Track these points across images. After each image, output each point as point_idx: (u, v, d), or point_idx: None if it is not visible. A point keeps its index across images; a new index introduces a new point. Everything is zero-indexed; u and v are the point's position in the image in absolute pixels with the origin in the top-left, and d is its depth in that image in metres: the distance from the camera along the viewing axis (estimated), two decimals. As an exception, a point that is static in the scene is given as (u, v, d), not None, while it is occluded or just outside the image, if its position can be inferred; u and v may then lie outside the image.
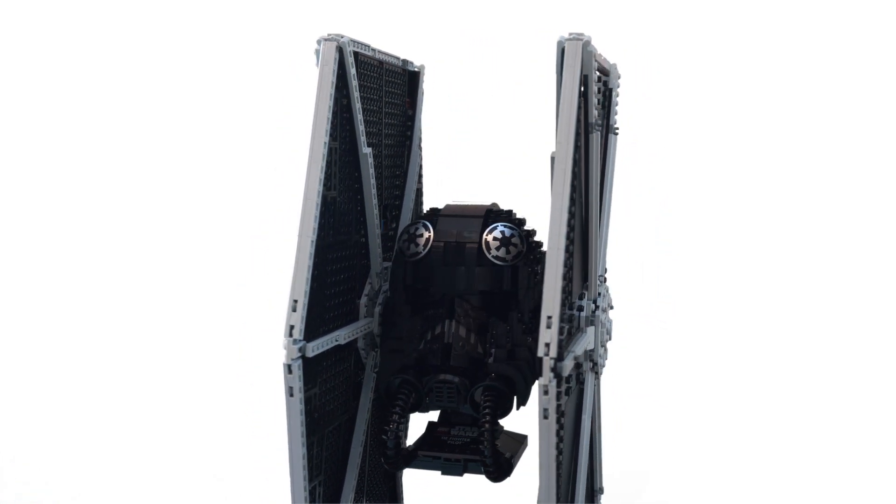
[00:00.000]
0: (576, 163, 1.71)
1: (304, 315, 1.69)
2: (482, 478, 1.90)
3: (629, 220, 3.07)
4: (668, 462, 2.77)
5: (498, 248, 1.93)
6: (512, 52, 3.26)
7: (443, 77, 3.17)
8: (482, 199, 2.08)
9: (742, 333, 3.38)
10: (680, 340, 3.31)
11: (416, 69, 2.25)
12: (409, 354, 1.92)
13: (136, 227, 3.53)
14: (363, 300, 2.00)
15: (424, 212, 2.15)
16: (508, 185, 2.49)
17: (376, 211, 2.01)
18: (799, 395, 3.15)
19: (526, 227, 2.03)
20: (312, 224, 1.73)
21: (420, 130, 2.27)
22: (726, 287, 3.48)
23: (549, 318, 1.53)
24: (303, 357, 1.69)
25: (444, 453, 1.92)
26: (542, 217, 2.05)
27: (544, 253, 2.01)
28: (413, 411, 1.94)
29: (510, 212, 2.06)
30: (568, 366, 1.56)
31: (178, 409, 3.11)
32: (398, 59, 2.15)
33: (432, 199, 2.23)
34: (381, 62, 2.03)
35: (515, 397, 1.87)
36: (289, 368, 1.68)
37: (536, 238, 2.04)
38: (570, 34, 1.66)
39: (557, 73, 1.68)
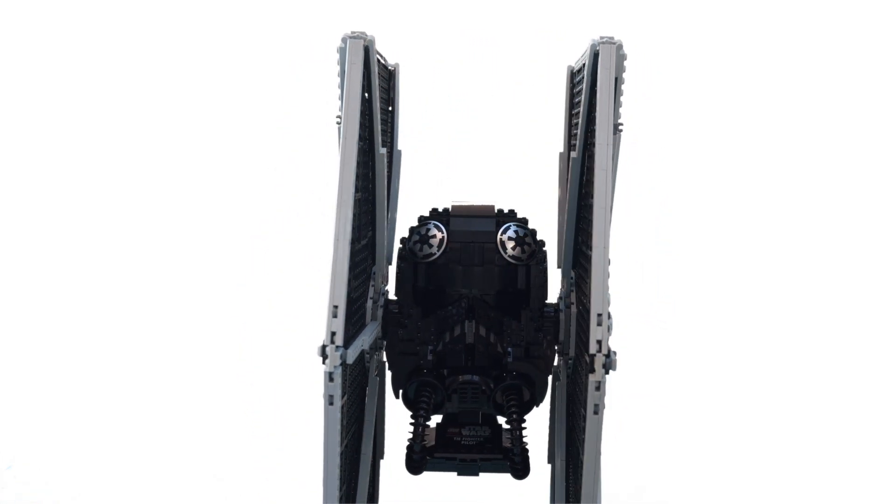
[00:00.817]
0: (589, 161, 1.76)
1: (345, 321, 1.65)
2: (449, 476, 1.92)
3: (629, 220, 3.06)
4: (668, 462, 2.77)
5: (514, 248, 1.95)
6: (511, 51, 3.26)
7: (443, 77, 3.17)
8: (472, 198, 2.07)
9: (742, 333, 3.39)
10: (680, 340, 3.31)
11: (391, 67, 2.24)
12: (424, 356, 1.91)
13: (135, 227, 3.53)
14: (369, 303, 1.99)
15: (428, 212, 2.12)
16: (501, 184, 2.49)
17: (387, 212, 2.00)
18: (799, 396, 3.15)
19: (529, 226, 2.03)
20: (349, 227, 1.67)
21: (398, 129, 2.26)
22: (726, 287, 3.48)
23: (599, 315, 1.57)
24: (343, 364, 1.65)
25: (459, 454, 1.93)
26: (533, 215, 2.07)
27: (546, 252, 2.02)
28: (435, 413, 1.93)
29: (513, 211, 2.06)
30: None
31: (178, 409, 3.11)
32: (383, 56, 2.15)
33: (429, 198, 2.22)
34: (377, 60, 2.03)
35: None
36: (330, 377, 1.61)
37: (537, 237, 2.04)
38: (602, 38, 1.70)
39: (589, 74, 1.72)
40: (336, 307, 1.61)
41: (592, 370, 1.56)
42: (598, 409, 1.58)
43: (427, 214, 2.07)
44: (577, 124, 1.95)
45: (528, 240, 1.96)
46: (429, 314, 1.95)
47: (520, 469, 1.88)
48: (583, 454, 1.66)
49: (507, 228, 1.96)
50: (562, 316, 1.99)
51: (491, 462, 1.92)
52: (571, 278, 2.03)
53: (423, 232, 1.98)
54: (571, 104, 2.17)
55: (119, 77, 3.52)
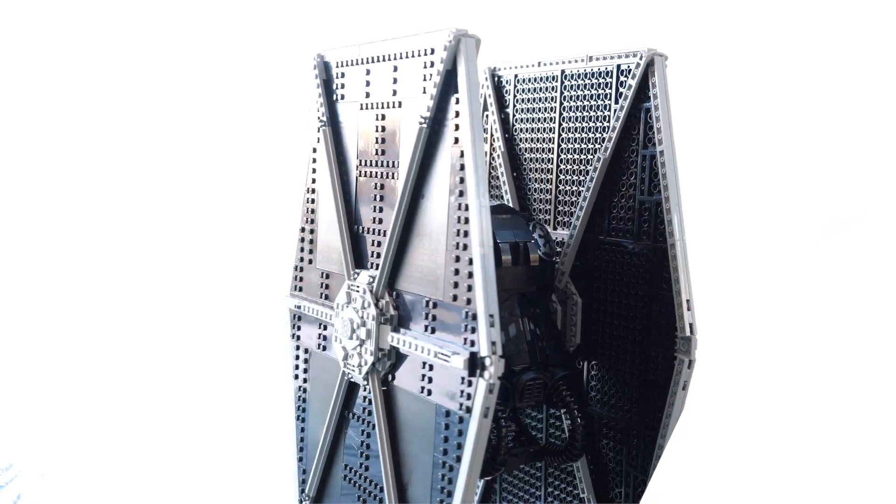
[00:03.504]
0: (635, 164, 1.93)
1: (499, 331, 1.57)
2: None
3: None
4: (669, 462, 2.77)
5: (544, 245, 2.01)
6: (511, 50, 3.26)
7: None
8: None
9: (742, 334, 3.38)
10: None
11: None
12: None
13: (136, 227, 3.53)
14: None
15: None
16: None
17: None
18: (800, 397, 3.14)
19: None
20: (489, 234, 1.60)
21: None
22: (726, 287, 3.47)
23: (688, 301, 1.76)
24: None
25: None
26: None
27: None
28: None
29: (521, 210, 2.11)
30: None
31: (178, 409, 3.11)
32: None
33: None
34: None
35: None
36: (490, 388, 1.52)
37: None
38: (649, 49, 1.87)
39: (637, 82, 1.88)
40: (492, 316, 1.54)
41: (681, 350, 1.78)
42: (686, 385, 1.79)
43: None
44: (586, 128, 2.06)
45: (549, 237, 2.03)
46: None
47: (578, 453, 1.98)
48: (664, 427, 1.86)
49: (535, 227, 2.00)
50: (558, 307, 2.09)
51: (529, 455, 2.00)
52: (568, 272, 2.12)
53: None
54: (501, 103, 2.32)
55: (118, 78, 3.53)
